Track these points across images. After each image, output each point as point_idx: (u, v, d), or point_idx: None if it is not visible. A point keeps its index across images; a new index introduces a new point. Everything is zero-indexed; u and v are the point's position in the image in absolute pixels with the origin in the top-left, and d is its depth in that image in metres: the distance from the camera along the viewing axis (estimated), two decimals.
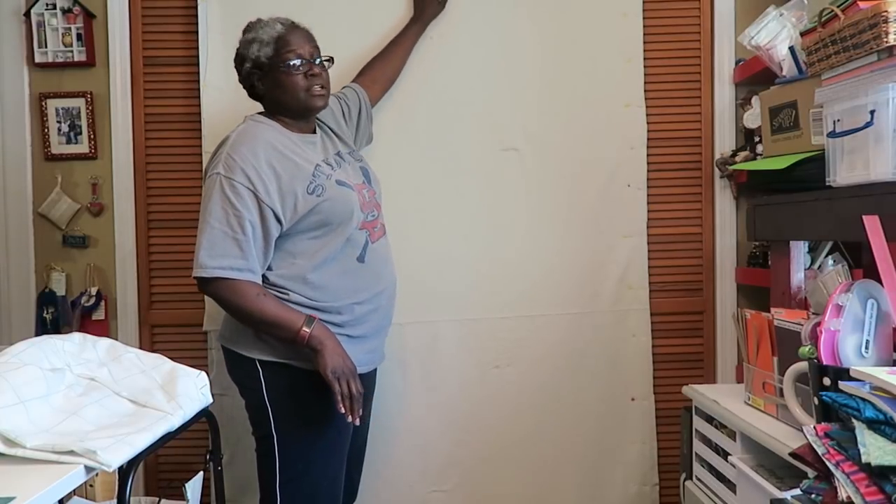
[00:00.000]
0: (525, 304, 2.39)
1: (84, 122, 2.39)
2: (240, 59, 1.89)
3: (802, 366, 1.46)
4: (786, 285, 1.93)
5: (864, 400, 1.20)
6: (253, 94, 1.93)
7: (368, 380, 1.97)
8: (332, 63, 1.92)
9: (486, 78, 2.37)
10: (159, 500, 1.87)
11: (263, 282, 1.79)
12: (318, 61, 1.87)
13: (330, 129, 2.02)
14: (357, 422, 1.75)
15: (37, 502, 1.07)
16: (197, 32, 2.36)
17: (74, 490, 1.52)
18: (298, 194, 1.77)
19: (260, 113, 1.92)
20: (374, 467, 2.28)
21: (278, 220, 1.77)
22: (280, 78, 1.84)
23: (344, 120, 2.09)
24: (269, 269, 1.82)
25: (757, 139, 2.18)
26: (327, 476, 1.85)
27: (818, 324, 1.44)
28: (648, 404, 2.42)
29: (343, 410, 1.72)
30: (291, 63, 1.82)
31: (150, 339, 2.42)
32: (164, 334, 2.43)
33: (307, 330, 1.73)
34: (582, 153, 2.39)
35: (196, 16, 2.36)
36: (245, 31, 1.90)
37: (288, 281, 1.81)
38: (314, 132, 1.95)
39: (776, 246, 1.99)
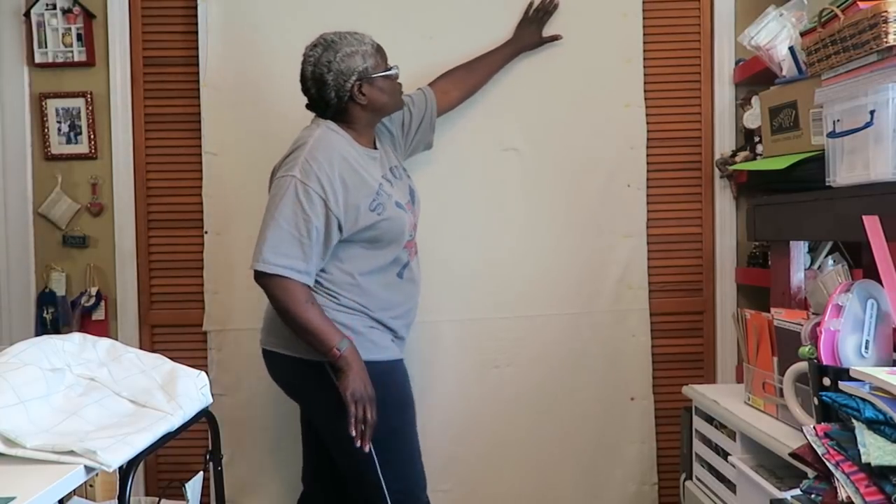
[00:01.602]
0: (525, 303, 2.39)
1: (84, 122, 2.39)
2: (343, 75, 1.87)
3: (802, 366, 1.46)
4: (786, 285, 1.93)
5: (863, 400, 1.20)
6: (326, 107, 1.91)
7: None
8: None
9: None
10: (159, 500, 1.87)
11: (316, 283, 1.86)
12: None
13: (390, 134, 2.11)
14: (367, 448, 1.79)
15: (37, 502, 1.07)
16: (197, 32, 2.36)
17: (74, 490, 1.52)
18: (361, 209, 1.85)
19: (335, 122, 1.93)
20: None
21: (339, 230, 1.84)
22: (386, 85, 1.93)
23: (403, 127, 2.14)
24: (322, 271, 1.88)
25: (757, 139, 2.18)
26: (416, 448, 1.96)
27: (818, 324, 1.44)
28: (648, 404, 2.42)
29: (353, 434, 1.77)
30: (393, 70, 1.94)
31: (150, 339, 2.42)
32: (164, 334, 2.43)
33: (339, 350, 1.78)
34: (582, 153, 2.39)
35: (196, 16, 2.36)
36: (331, 49, 1.88)
37: (338, 285, 1.88)
38: (375, 147, 2.01)
39: (776, 246, 1.99)
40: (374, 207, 1.86)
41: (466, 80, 2.28)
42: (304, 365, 1.86)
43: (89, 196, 2.42)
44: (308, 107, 1.95)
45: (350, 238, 1.87)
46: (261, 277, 1.82)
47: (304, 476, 2.12)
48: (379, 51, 1.93)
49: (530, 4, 2.33)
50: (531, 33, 2.34)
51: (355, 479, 1.89)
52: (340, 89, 1.88)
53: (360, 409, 1.78)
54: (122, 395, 1.45)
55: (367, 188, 1.87)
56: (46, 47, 2.37)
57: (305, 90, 1.92)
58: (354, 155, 1.90)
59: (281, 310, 1.82)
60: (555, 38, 2.35)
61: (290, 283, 1.79)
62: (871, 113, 1.45)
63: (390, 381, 1.91)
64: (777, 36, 1.98)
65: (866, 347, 1.40)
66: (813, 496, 1.21)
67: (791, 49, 1.88)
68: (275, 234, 1.79)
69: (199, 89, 2.36)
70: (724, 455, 1.74)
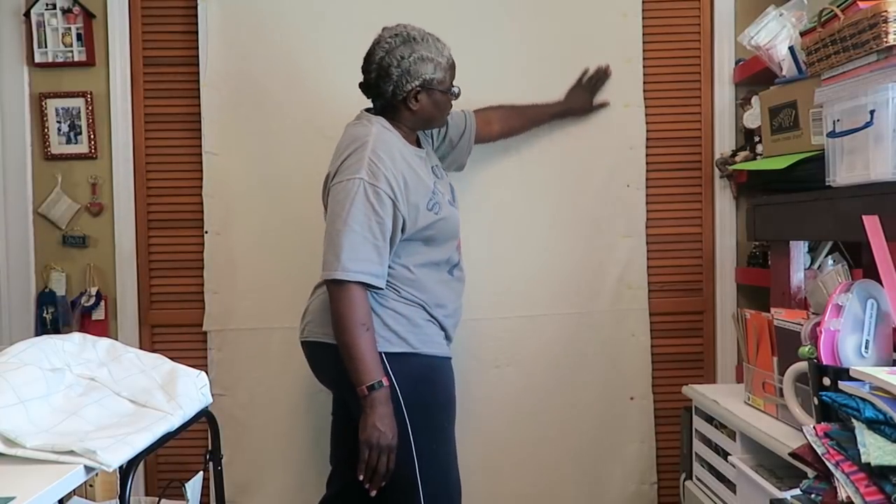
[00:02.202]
0: (524, 303, 2.39)
1: (84, 122, 2.39)
2: (405, 74, 1.84)
3: (802, 366, 1.46)
4: (786, 285, 1.93)
5: (863, 400, 1.20)
6: (377, 97, 1.90)
7: None
8: None
9: (486, 78, 2.37)
10: (159, 500, 1.87)
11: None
12: None
13: (431, 138, 2.11)
14: (373, 493, 1.76)
15: (37, 502, 1.07)
16: (197, 32, 2.36)
17: (74, 490, 1.52)
18: (421, 208, 1.84)
19: (385, 118, 1.91)
20: None
21: (403, 230, 1.83)
22: (442, 100, 1.91)
23: (439, 137, 2.14)
24: None
25: (757, 139, 2.18)
26: (454, 453, 1.92)
27: (818, 324, 1.44)
28: (647, 403, 2.42)
29: (361, 478, 1.74)
30: (455, 91, 1.93)
31: (150, 339, 2.42)
32: (164, 334, 2.43)
33: (368, 392, 1.73)
34: (582, 153, 2.39)
35: (196, 16, 2.36)
36: (409, 45, 1.86)
37: (398, 279, 1.86)
38: (420, 146, 2.01)
39: (776, 246, 1.99)
40: (431, 206, 1.86)
41: (511, 120, 2.28)
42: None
43: (89, 196, 2.42)
44: (361, 86, 1.93)
45: (409, 237, 1.86)
46: (338, 286, 1.76)
47: (331, 478, 2.07)
48: (452, 67, 1.91)
49: (585, 71, 2.33)
50: (583, 100, 2.34)
51: (392, 476, 1.83)
52: (400, 88, 1.85)
53: (374, 456, 1.73)
54: (122, 395, 1.45)
55: (425, 187, 1.87)
56: (46, 47, 2.37)
57: (367, 71, 1.89)
58: (407, 153, 1.88)
59: (341, 318, 1.76)
60: (604, 104, 2.36)
61: (361, 292, 1.76)
62: (871, 113, 1.45)
63: (440, 378, 1.91)
64: (777, 36, 1.98)
65: (866, 347, 1.40)
66: (813, 496, 1.21)
67: (791, 49, 1.88)
68: (351, 240, 1.75)
69: (199, 89, 2.36)
70: (724, 455, 1.74)
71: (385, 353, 1.81)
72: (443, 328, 1.93)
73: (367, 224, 1.76)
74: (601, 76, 2.35)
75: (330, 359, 1.86)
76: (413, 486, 1.81)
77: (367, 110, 1.95)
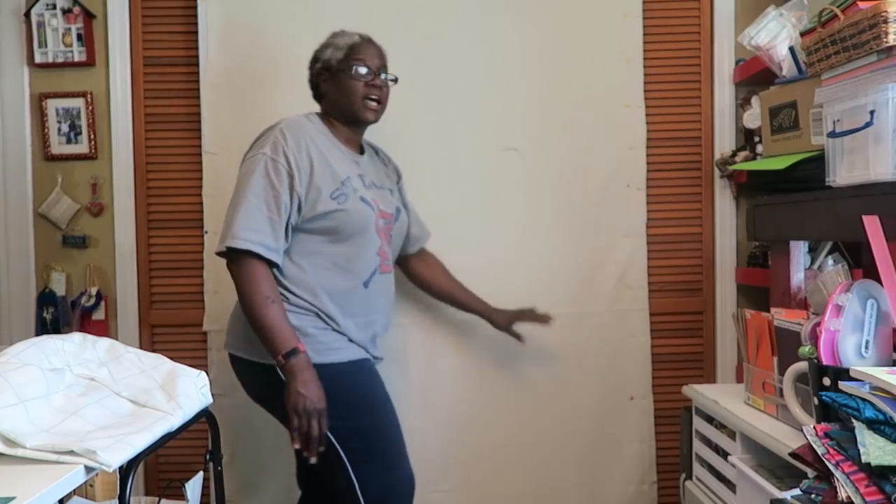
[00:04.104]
0: (524, 303, 2.38)
1: (84, 122, 2.39)
2: (313, 61, 1.99)
3: (802, 366, 1.46)
4: (786, 285, 1.93)
5: (863, 400, 1.20)
6: (317, 96, 2.01)
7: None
8: (396, 82, 2.01)
9: (486, 78, 2.38)
10: (159, 500, 1.87)
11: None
12: (382, 76, 1.96)
13: (385, 170, 2.11)
14: (313, 459, 1.73)
15: (37, 502, 1.07)
16: (197, 32, 2.36)
17: (74, 490, 1.52)
18: (322, 193, 1.81)
19: (316, 113, 1.98)
20: None
21: (299, 210, 1.81)
22: (344, 82, 1.92)
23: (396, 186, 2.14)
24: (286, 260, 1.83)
25: (757, 139, 2.18)
26: (395, 449, 1.87)
27: (818, 324, 1.44)
28: (647, 403, 2.42)
29: (297, 446, 1.73)
30: (356, 69, 1.91)
31: (150, 339, 2.42)
32: (164, 334, 2.43)
33: (285, 360, 1.72)
34: (582, 153, 2.39)
35: (196, 16, 2.36)
36: (327, 40, 1.99)
37: (292, 281, 1.82)
38: (361, 153, 2.00)
39: (776, 246, 1.99)
40: (335, 196, 1.82)
41: (442, 281, 2.23)
42: (261, 370, 1.80)
43: (89, 196, 2.42)
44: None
45: (308, 227, 1.82)
46: (230, 259, 1.77)
47: (298, 477, 2.10)
48: (350, 48, 1.93)
49: (531, 310, 2.21)
50: (505, 321, 2.22)
51: (329, 481, 1.83)
52: (311, 75, 1.99)
53: (304, 421, 1.71)
54: (122, 394, 1.45)
55: (333, 176, 1.84)
56: (46, 47, 2.37)
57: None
58: (327, 144, 1.89)
59: (244, 293, 1.76)
60: (517, 337, 2.23)
61: (258, 265, 1.75)
62: (871, 113, 1.45)
63: (349, 383, 1.83)
64: (777, 36, 1.98)
65: (866, 347, 1.40)
66: (813, 496, 1.21)
67: (791, 49, 1.88)
68: (245, 210, 1.76)
69: (199, 89, 2.36)
70: (724, 455, 1.74)
71: (270, 365, 1.76)
72: (342, 333, 1.85)
73: (263, 196, 1.77)
74: (535, 319, 2.20)
75: (240, 371, 1.89)
76: (350, 489, 1.77)
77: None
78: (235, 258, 1.76)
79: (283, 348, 1.72)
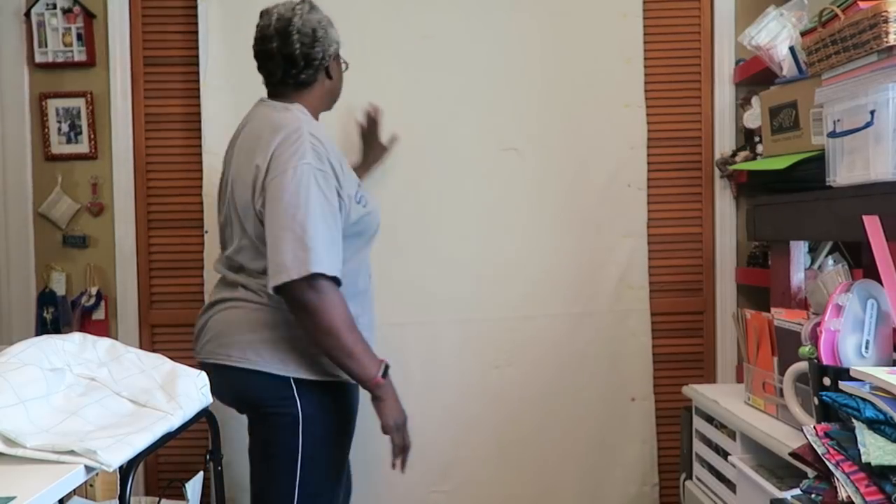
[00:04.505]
0: (525, 304, 2.39)
1: (84, 122, 2.39)
2: (323, 40, 1.76)
3: (802, 366, 1.46)
4: (786, 285, 1.93)
5: (864, 400, 1.20)
6: (305, 80, 1.78)
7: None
8: None
9: (487, 78, 2.37)
10: (159, 500, 1.87)
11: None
12: None
13: None
14: (404, 472, 1.76)
15: (37, 502, 1.07)
16: (197, 32, 2.36)
17: (74, 490, 1.52)
18: (352, 199, 1.72)
19: (301, 105, 1.78)
20: (373, 467, 2.28)
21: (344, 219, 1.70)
22: (340, 71, 1.86)
23: None
24: None
25: (757, 139, 2.18)
26: (340, 481, 1.84)
27: (818, 324, 1.44)
28: (649, 404, 2.42)
29: (395, 466, 1.74)
30: (342, 59, 1.87)
31: (150, 339, 2.42)
32: (164, 334, 2.43)
33: (381, 379, 1.67)
34: (582, 153, 2.39)
35: (196, 16, 2.36)
36: (303, 6, 1.77)
37: None
38: None
39: (776, 246, 1.99)
40: (359, 199, 1.75)
41: None
42: (264, 378, 1.71)
43: (89, 196, 2.42)
44: (273, 70, 1.80)
45: (345, 235, 1.71)
46: (307, 285, 1.58)
47: None
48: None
49: (361, 126, 2.24)
50: (378, 146, 2.23)
51: (263, 489, 1.76)
52: (317, 56, 1.78)
53: (401, 437, 1.72)
54: (122, 394, 1.45)
55: (353, 177, 1.77)
56: (46, 47, 2.37)
57: (287, 50, 1.77)
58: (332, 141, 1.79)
59: (331, 322, 1.60)
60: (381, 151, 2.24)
61: (336, 289, 1.60)
62: (871, 113, 1.45)
63: (346, 404, 1.80)
64: (777, 36, 1.98)
65: (866, 347, 1.40)
66: (813, 496, 1.21)
67: (791, 49, 1.88)
68: (319, 231, 1.58)
69: (199, 89, 2.36)
70: (724, 455, 1.74)
71: (293, 378, 1.69)
72: None
73: (322, 214, 1.60)
74: (375, 117, 2.23)
75: (247, 385, 1.74)
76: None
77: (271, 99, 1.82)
78: (314, 284, 1.58)
79: (377, 368, 1.67)
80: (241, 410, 1.83)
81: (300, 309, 1.62)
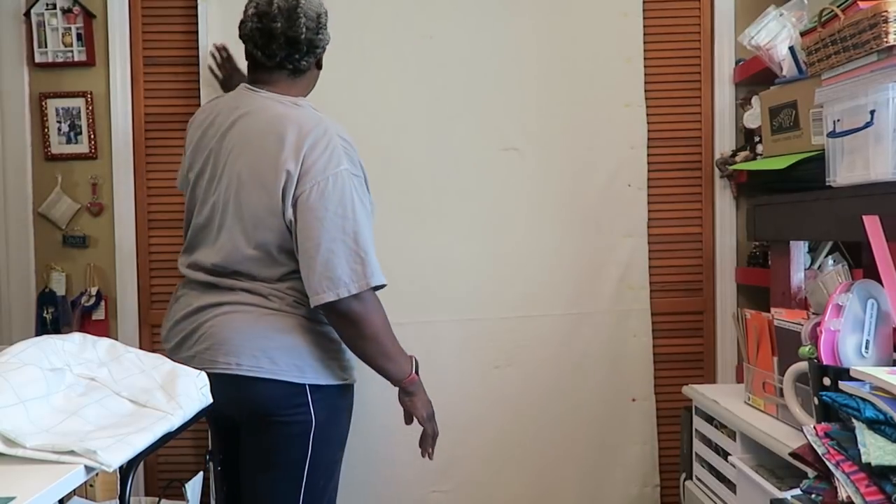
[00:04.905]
0: (525, 304, 2.39)
1: (84, 122, 2.39)
2: (325, 28, 1.71)
3: (802, 366, 1.46)
4: (786, 285, 1.93)
5: (864, 400, 1.20)
6: (298, 68, 1.71)
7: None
8: None
9: (487, 77, 2.37)
10: (159, 500, 1.87)
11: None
12: None
13: None
14: (432, 458, 1.81)
15: (37, 502, 1.07)
16: (197, 32, 2.36)
17: (74, 490, 1.52)
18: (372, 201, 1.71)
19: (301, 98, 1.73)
20: (373, 467, 2.28)
21: None
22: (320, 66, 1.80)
23: None
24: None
25: (757, 139, 2.18)
26: (336, 484, 1.80)
27: (818, 324, 1.44)
28: (649, 405, 2.42)
29: (424, 455, 1.80)
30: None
31: (150, 339, 2.42)
32: None
33: (416, 375, 1.72)
34: (582, 153, 2.39)
35: (196, 16, 2.36)
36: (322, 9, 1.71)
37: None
38: None
39: (776, 246, 1.99)
40: (370, 200, 1.71)
41: None
42: (280, 386, 1.63)
43: (89, 196, 2.41)
44: (268, 50, 1.71)
45: None
46: (356, 298, 1.56)
47: None
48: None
49: (216, 68, 2.21)
50: (239, 74, 2.12)
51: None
52: (321, 44, 1.73)
53: (432, 426, 1.78)
54: (122, 394, 1.45)
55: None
56: (46, 47, 2.37)
57: (291, 32, 1.68)
58: None
59: (380, 329, 1.61)
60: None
61: (376, 298, 1.60)
62: (871, 113, 1.45)
63: (349, 407, 1.77)
64: (777, 36, 1.98)
65: (866, 347, 1.40)
66: (813, 496, 1.21)
67: (791, 49, 1.87)
68: (368, 243, 1.57)
69: (199, 89, 2.36)
70: (724, 455, 1.74)
71: (308, 385, 1.63)
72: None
73: (367, 220, 1.61)
74: (223, 54, 2.18)
75: (261, 395, 1.64)
76: None
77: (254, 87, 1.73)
78: (361, 295, 1.56)
79: (410, 365, 1.72)
80: (240, 419, 1.71)
81: (344, 318, 1.60)
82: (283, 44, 1.66)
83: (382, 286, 1.62)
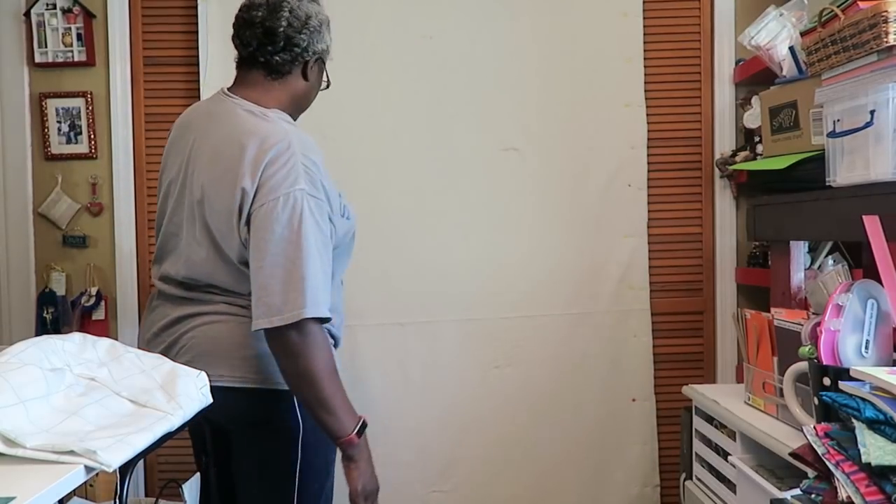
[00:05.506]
0: (525, 304, 2.39)
1: (84, 122, 2.39)
2: (312, 31, 1.60)
3: (802, 366, 1.46)
4: (786, 285, 1.93)
5: (864, 400, 1.19)
6: (268, 60, 1.60)
7: None
8: None
9: (487, 77, 2.38)
10: (157, 501, 1.87)
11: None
12: None
13: None
14: None
15: (37, 502, 1.07)
16: (197, 32, 2.36)
17: (74, 490, 1.52)
18: (339, 215, 1.59)
19: (278, 109, 1.62)
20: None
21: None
22: (318, 79, 1.69)
23: None
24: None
25: (757, 139, 2.18)
26: (332, 483, 1.74)
27: (818, 324, 1.44)
28: (649, 405, 2.42)
29: None
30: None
31: None
32: None
33: (357, 437, 1.50)
34: (582, 153, 2.40)
35: (196, 16, 2.36)
36: (322, 14, 1.63)
37: None
38: None
39: (776, 246, 1.99)
40: (343, 212, 1.61)
41: None
42: (270, 395, 1.57)
43: (89, 196, 2.42)
44: (258, 51, 1.61)
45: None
46: (296, 329, 1.44)
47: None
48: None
49: None
50: None
51: None
52: (303, 52, 1.62)
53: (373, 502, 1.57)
54: (122, 394, 1.45)
55: (335, 188, 1.60)
56: (46, 47, 2.37)
57: (271, 32, 1.58)
58: None
59: (316, 365, 1.46)
60: None
61: (322, 331, 1.47)
62: (871, 113, 1.45)
63: None
64: (777, 36, 1.98)
65: (866, 347, 1.40)
66: (813, 496, 1.21)
67: (791, 49, 1.87)
68: (312, 270, 1.44)
69: (199, 89, 2.36)
70: (724, 455, 1.74)
71: (285, 390, 1.54)
72: (334, 338, 1.63)
73: (316, 248, 1.46)
74: None
75: (251, 405, 1.59)
76: None
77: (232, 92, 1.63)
78: (300, 326, 1.44)
79: (356, 422, 1.51)
80: (226, 429, 1.65)
81: (280, 349, 1.48)
82: (258, 32, 1.58)
83: (325, 320, 1.48)
